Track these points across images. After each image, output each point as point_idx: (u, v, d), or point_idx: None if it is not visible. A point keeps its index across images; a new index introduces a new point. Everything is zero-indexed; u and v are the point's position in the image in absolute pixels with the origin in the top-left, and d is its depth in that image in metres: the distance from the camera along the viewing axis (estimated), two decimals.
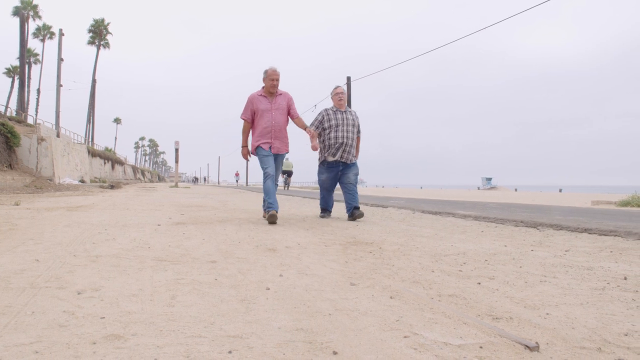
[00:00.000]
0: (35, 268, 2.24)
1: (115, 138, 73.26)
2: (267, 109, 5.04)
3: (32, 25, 39.80)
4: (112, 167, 40.31)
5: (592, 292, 1.91)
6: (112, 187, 19.88)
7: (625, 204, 9.72)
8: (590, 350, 1.26)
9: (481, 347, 1.27)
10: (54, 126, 25.92)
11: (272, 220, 4.67)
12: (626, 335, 1.37)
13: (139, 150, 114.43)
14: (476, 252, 2.94)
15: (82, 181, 23.62)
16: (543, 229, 4.28)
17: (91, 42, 43.66)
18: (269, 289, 1.90)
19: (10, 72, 45.25)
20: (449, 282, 2.08)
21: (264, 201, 5.10)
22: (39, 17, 39.19)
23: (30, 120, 29.56)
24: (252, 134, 5.17)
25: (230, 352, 1.21)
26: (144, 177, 67.06)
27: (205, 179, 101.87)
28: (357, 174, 5.74)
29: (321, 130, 5.58)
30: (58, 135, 23.67)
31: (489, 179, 68.74)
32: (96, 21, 43.48)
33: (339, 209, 7.09)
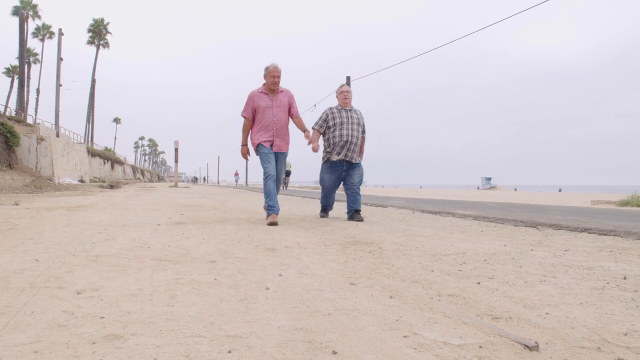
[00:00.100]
0: (35, 268, 2.24)
1: (115, 138, 73.27)
2: (268, 106, 4.92)
3: (31, 25, 39.83)
4: (112, 166, 40.30)
5: (591, 291, 1.91)
6: (111, 186, 19.87)
7: (625, 203, 9.73)
8: (589, 349, 1.26)
9: (481, 347, 1.27)
10: (54, 126, 25.91)
11: (272, 224, 4.57)
12: (626, 334, 1.38)
13: (139, 150, 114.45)
14: (476, 252, 2.94)
15: (82, 181, 23.62)
16: (542, 228, 4.28)
17: (91, 42, 43.63)
18: (268, 288, 1.90)
19: (9, 71, 45.22)
20: (448, 282, 2.08)
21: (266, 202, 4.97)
22: (39, 16, 39.16)
23: (29, 120, 29.54)
24: (252, 132, 5.04)
25: (229, 351, 1.21)
26: (143, 176, 67.04)
27: (204, 178, 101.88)
28: (361, 176, 5.61)
29: (325, 128, 5.48)
30: (57, 135, 23.65)
31: (489, 179, 68.77)
32: (96, 21, 43.45)
33: (340, 208, 7.09)
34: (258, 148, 4.98)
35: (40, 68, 44.42)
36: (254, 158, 5.16)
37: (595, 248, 3.12)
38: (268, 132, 4.94)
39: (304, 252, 2.88)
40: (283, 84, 5.02)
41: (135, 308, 1.59)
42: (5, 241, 3.12)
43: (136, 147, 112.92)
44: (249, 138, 5.13)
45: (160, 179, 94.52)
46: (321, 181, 5.71)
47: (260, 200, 10.48)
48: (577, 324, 1.48)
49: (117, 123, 78.12)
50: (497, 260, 2.64)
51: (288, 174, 25.16)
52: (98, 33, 43.46)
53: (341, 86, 5.69)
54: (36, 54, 44.63)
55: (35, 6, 38.34)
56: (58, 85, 25.53)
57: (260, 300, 1.72)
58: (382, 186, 71.96)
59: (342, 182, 5.66)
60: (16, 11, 36.03)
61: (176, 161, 27.39)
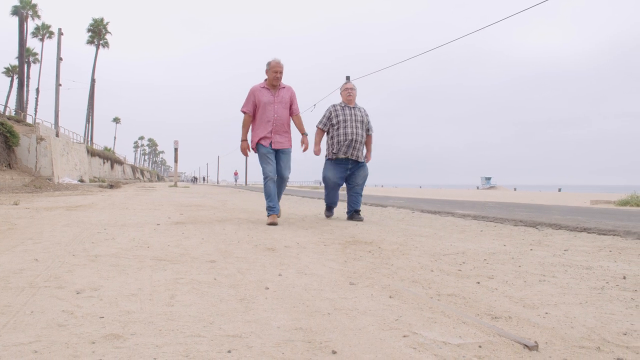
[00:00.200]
0: (34, 267, 2.24)
1: (115, 137, 73.17)
2: (269, 101, 4.80)
3: (31, 25, 39.79)
4: (111, 166, 40.29)
5: (591, 291, 1.91)
6: (111, 186, 19.86)
7: (624, 203, 9.73)
8: (589, 349, 1.26)
9: (480, 347, 1.27)
10: (53, 126, 25.89)
11: (271, 224, 4.55)
12: (625, 334, 1.38)
13: (138, 149, 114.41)
14: (475, 252, 2.94)
15: (81, 181, 23.61)
16: (542, 228, 4.28)
17: (90, 42, 43.60)
18: (268, 288, 1.90)
19: (9, 71, 45.18)
20: (448, 282, 2.08)
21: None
22: (38, 16, 39.13)
23: (29, 120, 29.52)
24: (252, 129, 4.92)
25: (229, 351, 1.21)
26: (143, 176, 67.02)
27: (204, 178, 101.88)
28: (366, 177, 5.50)
29: (329, 126, 5.39)
30: (57, 135, 23.64)
31: (488, 179, 68.77)
32: (95, 20, 43.41)
33: (340, 208, 7.09)
34: (257, 148, 4.86)
35: (40, 68, 44.45)
36: (254, 155, 5.03)
37: (594, 248, 3.12)
38: (267, 128, 4.80)
39: (303, 252, 2.88)
40: (283, 82, 4.91)
41: (134, 308, 1.58)
42: (5, 241, 3.12)
43: (136, 147, 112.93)
44: (249, 134, 4.98)
45: (159, 178, 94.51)
46: (325, 179, 5.53)
47: (260, 200, 10.49)
48: (577, 323, 1.48)
49: (116, 123, 78.09)
50: (496, 260, 2.64)
51: None
52: (98, 33, 43.43)
53: (345, 83, 5.61)
54: (36, 54, 44.60)
55: (34, 6, 38.31)
56: (58, 85, 25.52)
57: (259, 300, 1.72)
58: (382, 186, 71.98)
59: (344, 181, 5.52)
60: (16, 11, 36.00)
61: (176, 161, 27.38)
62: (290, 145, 4.99)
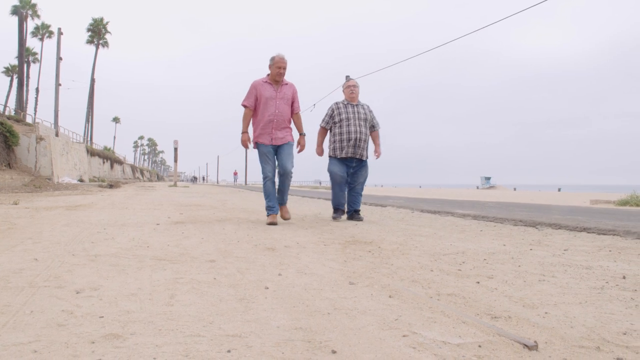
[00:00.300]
0: (34, 267, 2.24)
1: (114, 137, 73.13)
2: (271, 97, 4.69)
3: (30, 24, 39.78)
4: (111, 166, 40.28)
5: (590, 291, 1.91)
6: (110, 186, 19.86)
7: (624, 203, 9.74)
8: (588, 349, 1.26)
9: (480, 346, 1.27)
10: (53, 125, 25.88)
11: (271, 224, 4.54)
12: (625, 334, 1.38)
13: (138, 149, 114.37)
14: (475, 252, 2.94)
15: (81, 180, 23.60)
16: (542, 228, 4.28)
17: (90, 41, 43.60)
18: (267, 288, 1.90)
19: (8, 71, 45.17)
20: (447, 281, 2.08)
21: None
22: (38, 16, 39.13)
23: (29, 120, 29.50)
24: (253, 124, 4.81)
25: (229, 351, 1.21)
26: (142, 176, 67.02)
27: (204, 178, 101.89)
28: (367, 176, 5.45)
29: (332, 124, 5.31)
30: (57, 135, 23.63)
31: (488, 178, 68.79)
32: (95, 20, 43.40)
33: None
34: (257, 147, 4.81)
35: (40, 67, 44.46)
36: (253, 154, 4.96)
37: (594, 247, 3.12)
38: (268, 124, 4.70)
39: (303, 252, 2.88)
40: (285, 79, 4.80)
41: (134, 307, 1.58)
42: (5, 240, 3.12)
43: (135, 146, 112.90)
44: (249, 128, 4.87)
45: (159, 178, 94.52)
46: (332, 174, 5.33)
47: (259, 199, 10.49)
48: (576, 323, 1.48)
49: (116, 122, 78.07)
50: (496, 260, 2.64)
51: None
52: (97, 32, 43.41)
53: (348, 80, 5.53)
54: (35, 54, 44.58)
55: (34, 5, 38.30)
56: (57, 84, 25.50)
57: (259, 300, 1.72)
58: (382, 185, 71.98)
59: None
60: (15, 10, 35.99)
61: (175, 161, 27.38)
62: (292, 139, 4.87)
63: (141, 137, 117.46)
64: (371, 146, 5.48)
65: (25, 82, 37.88)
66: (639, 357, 1.21)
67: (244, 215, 5.72)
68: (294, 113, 4.88)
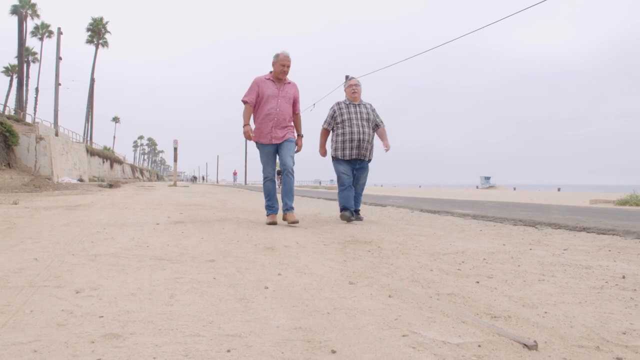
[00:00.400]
0: (34, 267, 2.24)
1: (114, 137, 73.13)
2: (273, 94, 4.59)
3: (30, 24, 39.76)
4: (111, 166, 40.27)
5: (590, 290, 1.92)
6: (110, 186, 19.85)
7: (624, 202, 9.74)
8: (588, 348, 1.26)
9: (480, 346, 1.27)
10: (53, 125, 25.87)
11: (271, 224, 4.53)
12: (624, 333, 1.38)
13: (138, 149, 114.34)
14: (475, 251, 2.94)
15: (81, 180, 23.60)
16: (541, 227, 4.28)
17: (90, 41, 43.57)
18: (267, 287, 1.90)
19: (8, 70, 45.16)
20: (447, 281, 2.08)
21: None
22: (37, 15, 39.11)
23: (28, 119, 29.48)
24: (253, 122, 4.70)
25: (228, 350, 1.21)
26: (142, 176, 67.02)
27: (203, 178, 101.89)
28: (367, 176, 5.36)
29: (334, 125, 5.19)
30: (56, 134, 23.62)
31: (488, 178, 68.81)
32: (95, 20, 43.38)
33: (338, 207, 7.08)
34: (258, 147, 4.77)
35: (39, 67, 44.43)
36: (253, 153, 4.92)
37: (594, 247, 3.12)
38: (268, 123, 4.60)
39: (303, 251, 2.88)
40: (288, 77, 4.72)
41: (134, 307, 1.58)
42: (4, 240, 3.12)
43: (135, 146, 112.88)
44: (251, 120, 4.73)
45: (159, 178, 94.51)
46: (339, 174, 5.17)
47: (259, 199, 10.49)
48: (576, 323, 1.48)
49: (116, 122, 78.07)
50: (496, 260, 2.64)
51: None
52: (97, 32, 43.39)
53: (350, 79, 5.42)
54: (35, 53, 44.56)
55: (34, 5, 38.29)
56: (57, 84, 25.49)
57: (259, 300, 1.72)
58: (381, 185, 71.99)
59: None
60: (15, 10, 35.96)
61: (175, 160, 27.38)
62: (293, 136, 4.76)
63: (141, 137, 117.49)
64: (377, 141, 5.36)
65: (25, 82, 37.86)
66: (638, 356, 1.21)
67: (244, 215, 5.72)
68: (294, 113, 4.81)
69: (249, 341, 1.28)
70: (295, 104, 4.78)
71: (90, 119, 44.21)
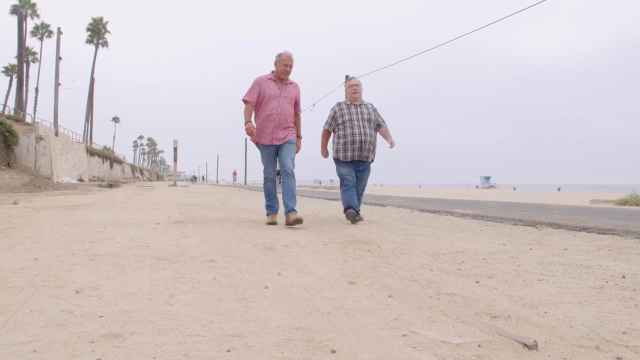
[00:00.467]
0: (34, 267, 2.24)
1: (114, 137, 73.12)
2: (275, 95, 4.53)
3: (30, 24, 39.76)
4: (111, 165, 40.27)
5: (590, 290, 1.92)
6: (110, 185, 19.85)
7: (624, 202, 9.74)
8: (588, 348, 1.26)
9: (479, 346, 1.27)
10: (53, 125, 25.87)
11: (271, 224, 4.53)
12: (624, 333, 1.38)
13: (138, 149, 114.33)
14: (475, 251, 2.94)
15: (81, 180, 23.59)
16: (541, 227, 4.28)
17: (90, 41, 43.56)
18: (267, 287, 1.90)
19: (8, 70, 45.16)
20: (447, 281, 2.08)
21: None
22: (37, 15, 39.12)
23: (28, 119, 29.47)
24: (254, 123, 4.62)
25: (228, 350, 1.21)
26: (142, 175, 67.02)
27: (203, 177, 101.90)
28: (369, 178, 5.29)
29: (335, 126, 5.11)
30: (56, 134, 23.62)
31: (488, 178, 68.82)
32: (95, 20, 43.36)
33: (338, 207, 7.09)
34: (259, 147, 4.73)
35: (39, 67, 44.42)
36: (254, 152, 4.89)
37: (593, 247, 3.12)
38: (269, 124, 4.55)
39: (303, 251, 2.88)
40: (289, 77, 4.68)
41: (134, 307, 1.58)
42: (4, 240, 3.12)
43: (135, 146, 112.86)
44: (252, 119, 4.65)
45: (159, 178, 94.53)
46: (342, 176, 5.09)
47: (259, 199, 10.49)
48: (576, 322, 1.48)
49: (116, 122, 78.07)
50: (496, 259, 2.64)
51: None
52: (97, 32, 43.38)
53: (350, 79, 5.35)
54: (35, 53, 44.55)
55: (34, 5, 38.29)
56: (57, 84, 25.49)
57: (259, 299, 1.72)
58: (381, 185, 72.00)
59: None
60: (15, 10, 35.95)
61: (175, 160, 27.38)
62: (294, 137, 4.71)
63: (141, 137, 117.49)
64: (379, 141, 5.31)
65: (24, 82, 37.85)
66: (638, 356, 1.21)
67: (244, 215, 5.72)
68: (295, 114, 4.76)
69: (249, 341, 1.28)
70: (296, 104, 4.74)
71: (90, 119, 44.20)
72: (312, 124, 5.34)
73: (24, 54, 36.19)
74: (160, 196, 11.39)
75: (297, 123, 4.82)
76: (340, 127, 5.04)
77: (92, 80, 43.76)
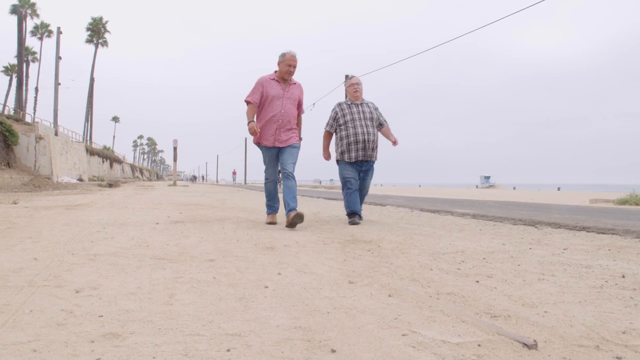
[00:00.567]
0: (34, 266, 2.24)
1: (114, 137, 73.07)
2: (278, 95, 4.47)
3: (30, 24, 39.73)
4: (111, 165, 40.26)
5: (590, 290, 1.92)
6: (110, 185, 19.84)
7: (623, 202, 9.74)
8: (588, 348, 1.26)
9: (479, 345, 1.27)
10: (52, 124, 25.86)
11: (271, 224, 4.52)
12: (624, 333, 1.38)
13: (138, 148, 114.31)
14: (474, 251, 2.94)
15: (81, 180, 23.59)
16: (541, 227, 4.28)
17: (89, 41, 43.54)
18: (267, 287, 1.90)
19: (8, 70, 45.14)
20: (447, 280, 2.08)
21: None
22: (37, 15, 39.10)
23: (28, 119, 29.45)
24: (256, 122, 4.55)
25: (228, 350, 1.21)
26: (142, 175, 67.01)
27: (203, 177, 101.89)
28: (372, 178, 5.21)
29: (337, 127, 5.03)
30: (56, 134, 23.61)
31: (488, 178, 68.84)
32: (94, 19, 43.34)
33: (339, 207, 7.09)
34: (260, 147, 4.69)
35: (39, 67, 44.39)
36: (254, 152, 4.85)
37: (593, 246, 3.12)
38: (272, 125, 4.49)
39: (302, 251, 2.88)
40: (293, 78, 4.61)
41: (134, 307, 1.58)
42: (4, 240, 3.12)
43: (135, 145, 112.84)
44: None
45: (159, 177, 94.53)
46: (345, 178, 4.99)
47: (259, 199, 10.48)
48: (576, 322, 1.48)
49: (115, 122, 78.03)
50: (495, 259, 2.64)
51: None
52: (97, 32, 43.36)
53: (350, 78, 5.25)
54: (34, 53, 44.52)
55: (33, 4, 38.27)
56: (57, 83, 25.49)
57: (259, 299, 1.71)
58: (381, 185, 71.99)
59: None
60: (14, 10, 35.94)
61: (175, 160, 27.38)
62: (297, 140, 4.63)
63: (141, 137, 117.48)
64: (381, 141, 5.27)
65: (24, 82, 37.84)
66: (638, 356, 1.21)
67: (244, 215, 5.72)
68: (298, 115, 4.72)
69: (249, 340, 1.28)
70: (299, 105, 4.70)
71: (89, 119, 44.19)
72: (312, 124, 5.31)
73: (24, 54, 36.20)
74: (160, 196, 11.39)
75: (298, 123, 4.77)
76: (343, 127, 4.96)
77: (92, 79, 43.75)
